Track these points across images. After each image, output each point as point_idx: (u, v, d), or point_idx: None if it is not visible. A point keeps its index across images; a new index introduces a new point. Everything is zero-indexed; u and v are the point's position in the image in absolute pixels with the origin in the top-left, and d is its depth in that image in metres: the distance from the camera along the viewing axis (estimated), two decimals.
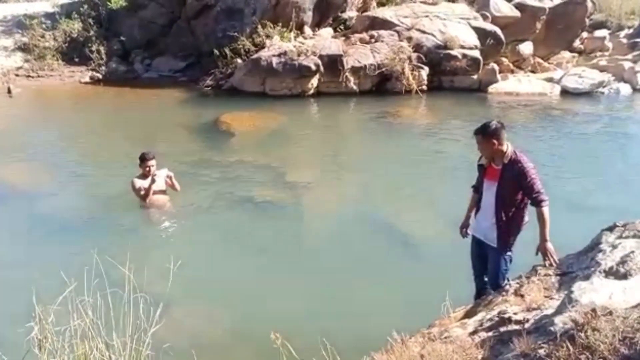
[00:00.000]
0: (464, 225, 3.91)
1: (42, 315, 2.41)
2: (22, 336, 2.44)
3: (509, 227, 3.56)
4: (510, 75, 12.40)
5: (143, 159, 5.84)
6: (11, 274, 4.56)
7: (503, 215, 3.54)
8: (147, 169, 5.82)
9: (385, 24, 12.15)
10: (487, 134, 3.53)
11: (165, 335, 2.73)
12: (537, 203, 3.42)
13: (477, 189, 3.83)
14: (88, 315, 2.45)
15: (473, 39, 11.86)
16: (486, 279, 3.78)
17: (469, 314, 3.15)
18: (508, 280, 3.56)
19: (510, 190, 3.49)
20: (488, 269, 3.73)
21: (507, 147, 3.54)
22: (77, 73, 12.78)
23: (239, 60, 11.71)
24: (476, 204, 3.82)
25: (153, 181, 5.81)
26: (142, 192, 5.86)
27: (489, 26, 12.35)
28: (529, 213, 3.56)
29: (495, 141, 3.50)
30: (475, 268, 3.87)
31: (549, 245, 3.35)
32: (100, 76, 12.72)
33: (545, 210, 3.40)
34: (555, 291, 2.88)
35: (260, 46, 11.60)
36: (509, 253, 3.62)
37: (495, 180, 3.58)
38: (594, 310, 2.04)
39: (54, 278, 2.85)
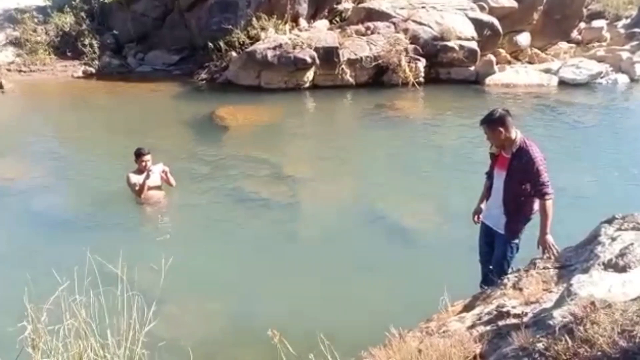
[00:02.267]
0: (476, 212, 3.90)
1: (35, 314, 2.38)
2: (15, 335, 2.40)
3: (517, 216, 3.57)
4: (507, 67, 12.34)
5: (138, 154, 5.81)
6: (3, 272, 4.52)
7: (511, 204, 3.55)
8: (143, 164, 5.78)
9: (381, 16, 12.05)
10: (492, 123, 3.51)
11: (160, 333, 2.70)
12: (541, 195, 3.40)
13: (490, 176, 3.81)
14: (81, 314, 2.41)
15: (470, 30, 11.79)
16: (491, 267, 3.78)
17: (467, 308, 3.13)
18: (512, 268, 3.56)
19: (519, 179, 3.49)
20: (494, 255, 3.75)
21: (516, 135, 3.52)
22: (70, 67, 12.64)
23: (234, 54, 11.60)
24: (487, 191, 3.81)
25: (148, 176, 5.78)
26: (137, 188, 5.82)
27: (486, 17, 12.26)
28: (537, 203, 3.54)
29: (501, 129, 3.48)
30: (481, 254, 3.89)
31: (549, 237, 3.34)
32: (93, 70, 12.58)
33: (549, 203, 3.39)
34: (554, 284, 2.86)
35: (255, 39, 11.50)
36: (516, 241, 3.63)
37: (504, 168, 3.58)
38: (593, 303, 2.02)
39: (47, 276, 2.81)
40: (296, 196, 6.37)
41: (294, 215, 5.96)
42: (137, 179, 5.83)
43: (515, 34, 13.14)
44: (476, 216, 3.90)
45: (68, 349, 2.41)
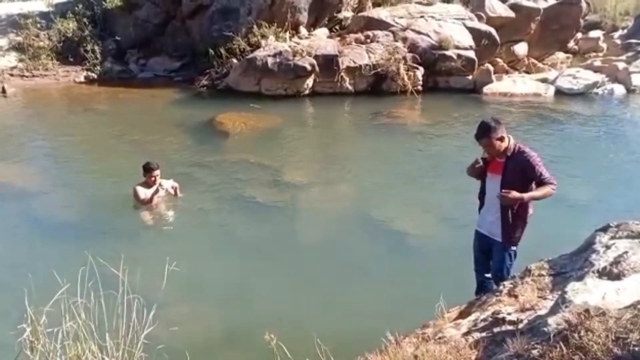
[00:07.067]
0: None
1: (34, 316, 2.39)
2: (14, 338, 2.42)
3: (514, 221, 3.54)
4: (505, 76, 12.43)
5: (148, 169, 5.80)
6: (4, 275, 4.53)
7: (507, 209, 3.52)
8: (152, 179, 5.79)
9: (381, 24, 12.16)
10: (489, 137, 3.51)
11: (159, 337, 2.72)
12: (548, 185, 3.42)
13: (482, 189, 3.79)
14: (81, 317, 2.43)
15: (468, 40, 11.89)
16: (487, 275, 3.77)
17: (462, 315, 3.15)
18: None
19: (515, 182, 3.47)
20: (492, 264, 3.72)
21: (509, 140, 3.55)
22: (72, 73, 12.70)
23: (235, 60, 11.68)
24: (480, 199, 3.79)
25: (157, 191, 5.80)
26: (145, 202, 5.82)
27: (483, 27, 12.38)
28: (533, 206, 3.55)
29: (498, 140, 3.50)
30: (476, 262, 3.85)
31: (518, 194, 3.36)
32: (95, 76, 12.65)
33: (549, 190, 3.41)
34: (549, 292, 2.88)
35: (256, 46, 11.58)
36: (513, 248, 3.60)
37: (498, 173, 3.57)
38: (587, 310, 2.04)
39: (47, 279, 2.83)
40: (295, 202, 6.39)
41: (292, 221, 5.98)
42: (145, 193, 5.81)
43: (513, 44, 13.26)
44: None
45: (66, 352, 2.42)
